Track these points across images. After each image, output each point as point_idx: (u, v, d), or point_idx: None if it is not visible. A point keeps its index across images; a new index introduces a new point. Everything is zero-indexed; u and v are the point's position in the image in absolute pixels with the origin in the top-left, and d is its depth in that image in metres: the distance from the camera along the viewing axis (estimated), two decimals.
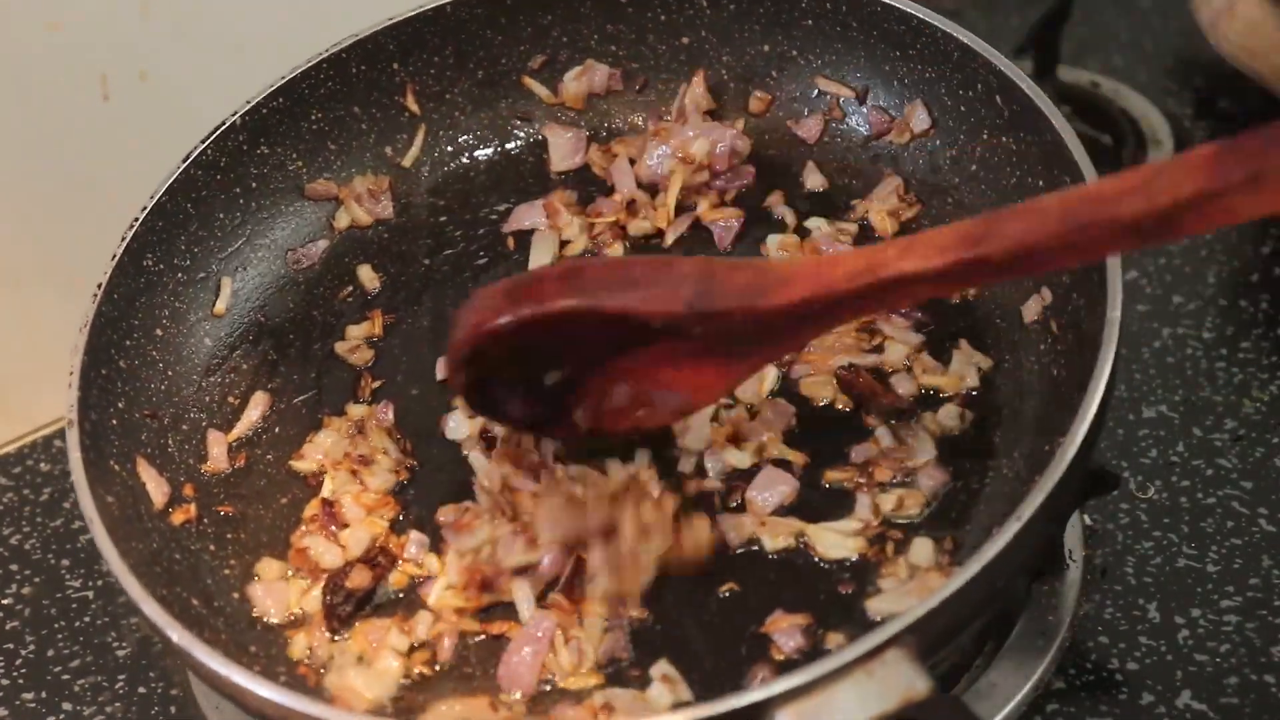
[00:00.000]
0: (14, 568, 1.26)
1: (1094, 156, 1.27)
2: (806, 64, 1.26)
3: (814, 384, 1.11)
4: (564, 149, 1.28)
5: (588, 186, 1.27)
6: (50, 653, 1.20)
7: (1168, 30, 1.66)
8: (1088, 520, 1.17)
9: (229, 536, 1.10)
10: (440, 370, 1.16)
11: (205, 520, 1.10)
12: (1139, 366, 1.29)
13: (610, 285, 0.96)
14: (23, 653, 1.20)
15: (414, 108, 1.28)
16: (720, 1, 1.26)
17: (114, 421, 1.09)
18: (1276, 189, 0.86)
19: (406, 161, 1.28)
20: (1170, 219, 0.87)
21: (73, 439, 1.03)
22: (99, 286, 1.11)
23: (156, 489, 1.09)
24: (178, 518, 1.09)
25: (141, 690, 1.17)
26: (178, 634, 0.94)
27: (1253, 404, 1.25)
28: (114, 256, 1.13)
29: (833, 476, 1.06)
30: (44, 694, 1.17)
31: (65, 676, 1.18)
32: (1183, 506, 1.18)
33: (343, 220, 1.26)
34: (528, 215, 1.24)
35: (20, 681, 1.18)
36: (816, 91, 1.27)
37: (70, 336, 1.09)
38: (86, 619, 1.22)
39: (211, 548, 1.09)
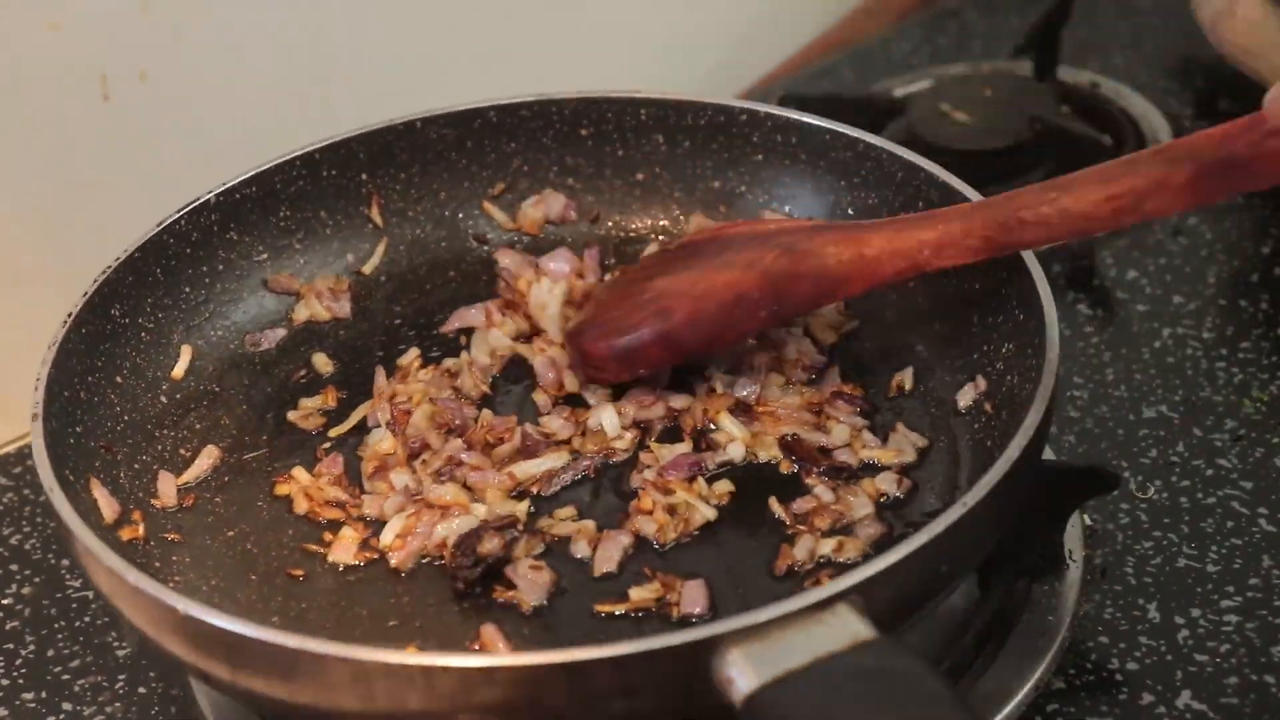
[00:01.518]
0: (14, 568, 1.26)
1: (1094, 157, 1.28)
2: (754, 198, 1.29)
3: (760, 441, 1.14)
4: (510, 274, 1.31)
5: None
6: (50, 653, 1.19)
7: (1168, 30, 1.66)
8: (1088, 520, 1.17)
9: (174, 559, 1.10)
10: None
11: (151, 543, 1.11)
12: (1139, 366, 1.29)
13: (702, 312, 1.13)
14: (23, 653, 1.20)
15: (378, 220, 1.31)
16: (676, 138, 1.30)
17: (71, 441, 1.10)
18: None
19: (367, 269, 1.31)
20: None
21: (36, 428, 1.05)
22: (69, 315, 1.12)
23: (107, 507, 1.09)
24: (125, 534, 1.10)
25: (141, 690, 1.16)
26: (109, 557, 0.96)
27: (1253, 404, 1.25)
28: (85, 294, 1.14)
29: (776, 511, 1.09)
30: (44, 694, 1.17)
31: (65, 676, 1.18)
32: (1183, 506, 1.18)
33: (301, 314, 1.28)
34: (469, 316, 1.28)
35: (20, 681, 1.18)
36: None
37: None
38: (86, 619, 1.21)
39: (157, 564, 1.09)
